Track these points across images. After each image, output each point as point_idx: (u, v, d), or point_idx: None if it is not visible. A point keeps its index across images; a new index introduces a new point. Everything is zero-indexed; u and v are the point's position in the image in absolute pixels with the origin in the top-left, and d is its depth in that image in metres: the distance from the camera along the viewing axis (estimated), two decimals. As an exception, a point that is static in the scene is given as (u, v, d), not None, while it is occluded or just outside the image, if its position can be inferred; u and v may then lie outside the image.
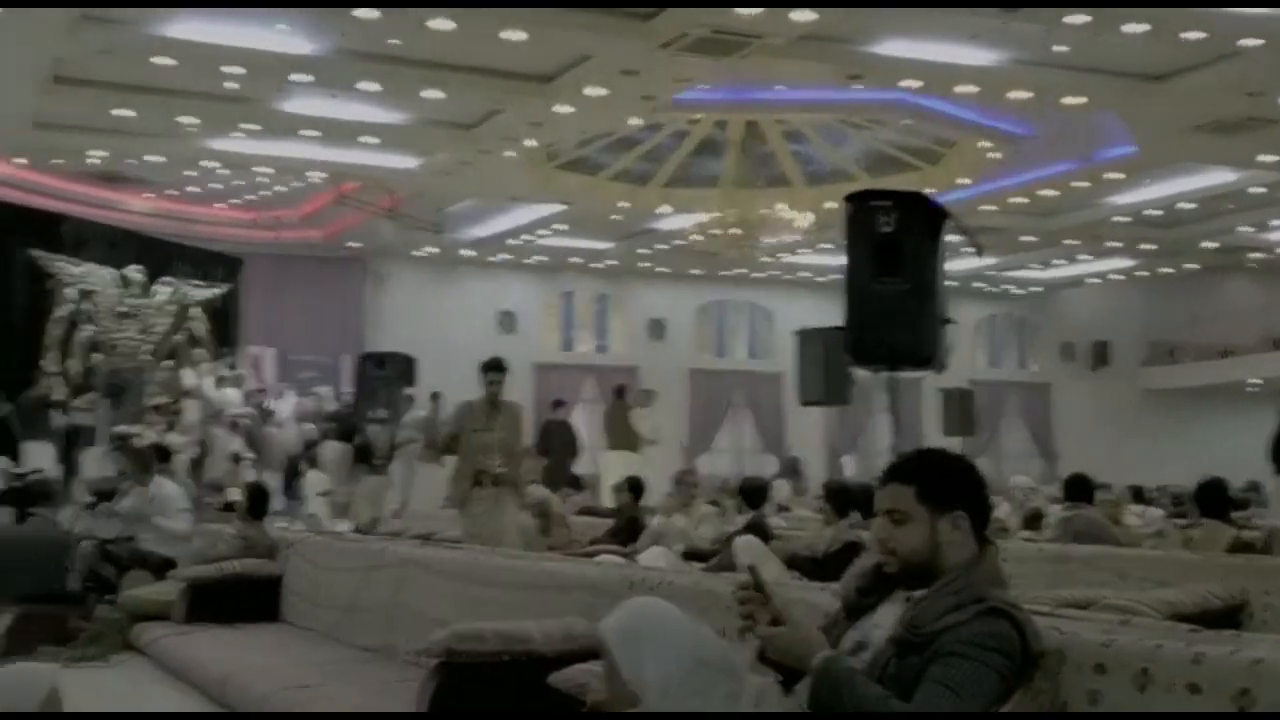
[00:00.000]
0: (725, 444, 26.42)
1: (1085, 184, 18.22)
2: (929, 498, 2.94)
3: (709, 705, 2.99)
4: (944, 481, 2.98)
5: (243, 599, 7.64)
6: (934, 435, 17.74)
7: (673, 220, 20.68)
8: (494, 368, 9.02)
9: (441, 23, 11.74)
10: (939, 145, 17.81)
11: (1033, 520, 11.62)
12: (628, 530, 9.86)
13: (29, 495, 12.00)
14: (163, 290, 18.36)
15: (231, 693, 5.62)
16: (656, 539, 9.19)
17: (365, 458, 16.37)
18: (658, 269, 25.08)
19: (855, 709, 2.71)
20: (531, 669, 3.99)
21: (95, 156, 17.46)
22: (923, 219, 6.17)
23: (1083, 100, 14.20)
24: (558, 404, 20.30)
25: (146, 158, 17.48)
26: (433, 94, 13.98)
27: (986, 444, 25.54)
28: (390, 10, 11.46)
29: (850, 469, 24.24)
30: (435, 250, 22.86)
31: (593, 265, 24.80)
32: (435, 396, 17.31)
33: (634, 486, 11.04)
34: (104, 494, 9.71)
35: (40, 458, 13.30)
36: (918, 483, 2.98)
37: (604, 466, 16.72)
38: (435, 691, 4.18)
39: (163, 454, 11.04)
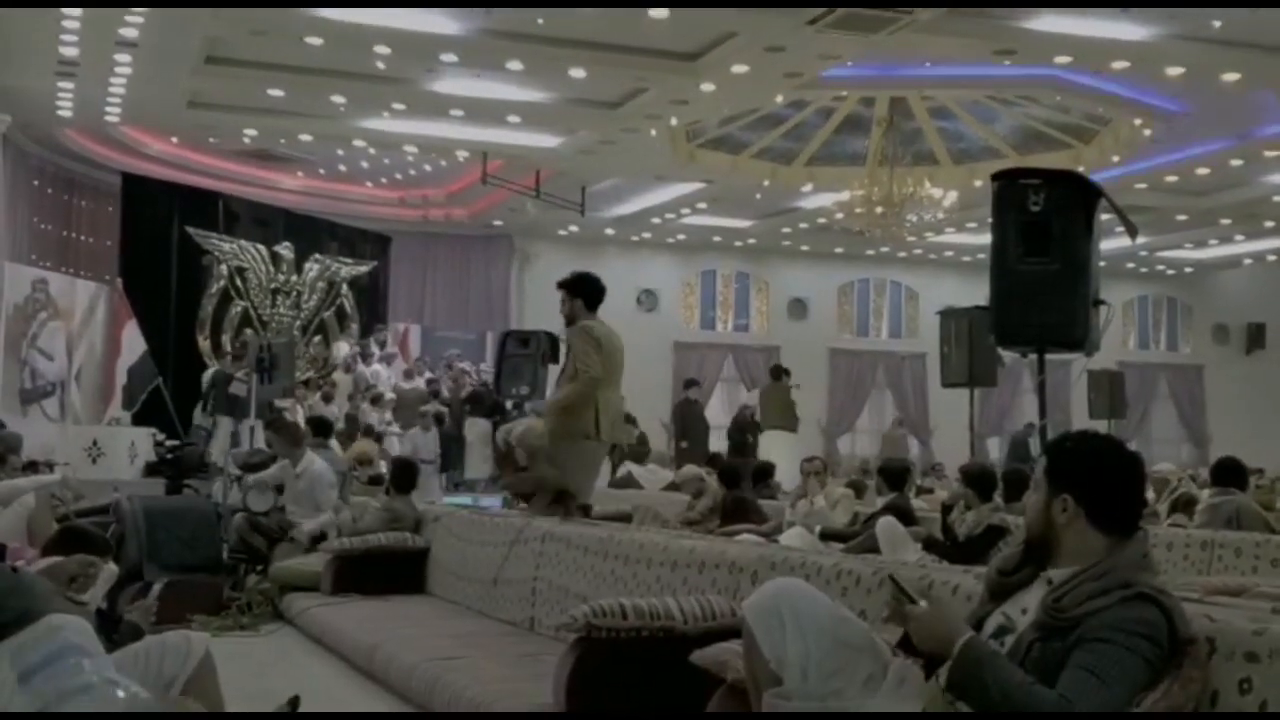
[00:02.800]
0: (866, 425, 26.20)
1: (1240, 162, 17.68)
2: (1051, 474, 3.00)
3: (849, 685, 2.98)
4: (1064, 462, 3.00)
5: (389, 571, 7.77)
6: (1081, 418, 17.37)
7: (815, 198, 20.52)
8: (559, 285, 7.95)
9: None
10: (1091, 122, 17.38)
11: (1185, 505, 11.32)
12: (733, 510, 9.76)
13: (182, 467, 12.39)
14: (313, 267, 18.82)
15: (379, 662, 5.74)
16: (793, 521, 9.17)
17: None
18: (799, 247, 24.93)
19: (997, 692, 2.69)
20: (670, 646, 4.00)
21: (247, 136, 17.90)
22: (1074, 198, 6.01)
23: (1238, 77, 13.73)
24: (690, 383, 20.33)
25: (297, 137, 17.88)
26: (577, 73, 14.06)
27: (1135, 427, 24.93)
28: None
29: (995, 452, 23.84)
30: (577, 229, 23.01)
31: (734, 244, 24.74)
32: None
33: (762, 470, 11.03)
34: (252, 467, 9.94)
35: (221, 432, 13.70)
36: (1050, 457, 3.05)
37: (764, 446, 16.83)
38: (574, 666, 4.22)
39: (320, 428, 11.24)
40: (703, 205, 21.25)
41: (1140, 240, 21.25)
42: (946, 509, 8.23)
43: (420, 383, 19.11)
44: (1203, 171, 18.08)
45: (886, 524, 7.85)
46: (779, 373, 18.00)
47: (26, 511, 7.83)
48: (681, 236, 24.12)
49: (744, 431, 17.47)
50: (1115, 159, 17.57)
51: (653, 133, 16.44)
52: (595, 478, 7.91)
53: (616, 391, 7.46)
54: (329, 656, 6.60)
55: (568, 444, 7.20)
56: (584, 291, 7.71)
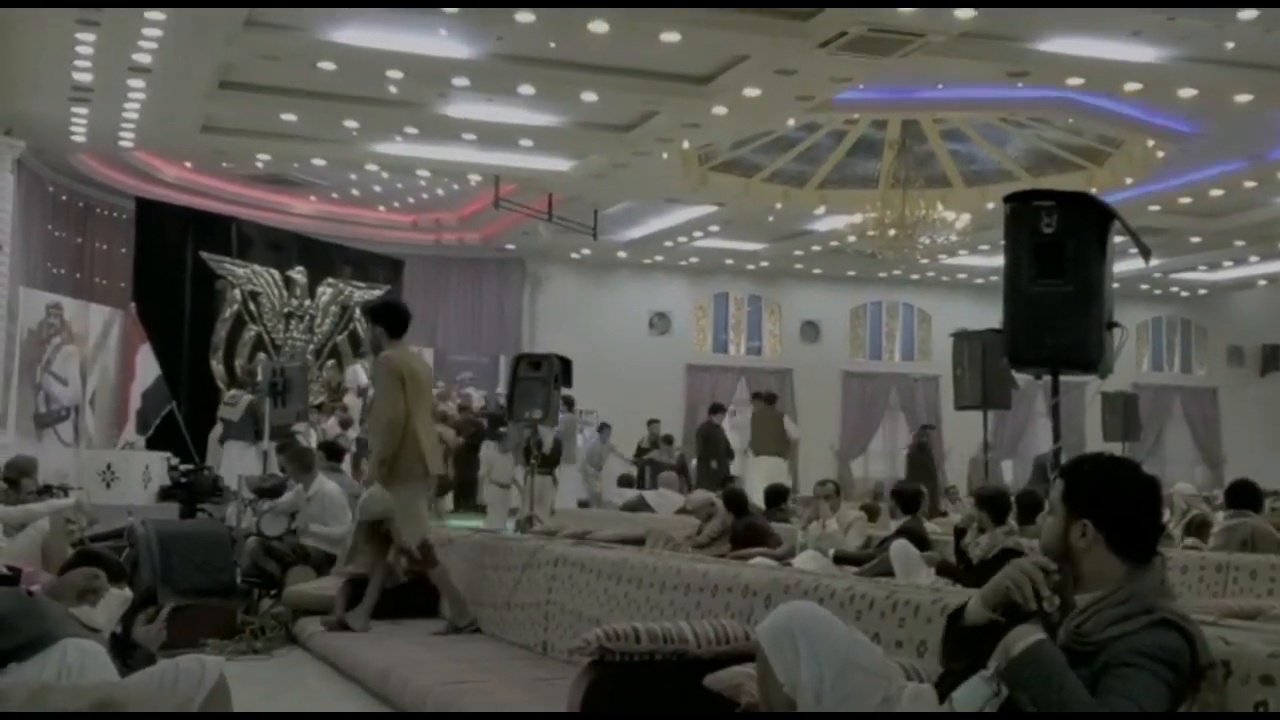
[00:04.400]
0: (879, 447, 26.15)
1: (1254, 183, 17.64)
2: (1067, 498, 2.97)
3: (864, 708, 2.97)
4: (1082, 488, 2.97)
5: (402, 595, 7.75)
6: (1095, 440, 17.31)
7: (828, 221, 20.53)
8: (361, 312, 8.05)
9: (598, 25, 11.84)
10: (1103, 144, 17.38)
11: (1198, 528, 11.26)
12: (744, 535, 9.71)
13: (196, 491, 12.40)
14: (326, 291, 18.87)
15: (392, 686, 5.73)
16: (804, 544, 9.14)
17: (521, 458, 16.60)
18: (812, 270, 24.94)
19: (1058, 700, 2.66)
20: (684, 669, 3.99)
21: (261, 160, 17.98)
22: (1087, 220, 5.99)
23: (1251, 98, 13.71)
24: (716, 409, 20.34)
25: (310, 161, 17.95)
26: (589, 96, 14.10)
27: (1149, 449, 24.84)
28: (548, 12, 11.58)
29: (1009, 474, 23.76)
30: (589, 252, 23.05)
31: (746, 267, 24.76)
32: (603, 429, 18.12)
33: (776, 493, 10.98)
34: (265, 491, 9.96)
35: (245, 459, 13.72)
36: (1066, 481, 3.01)
37: (752, 471, 16.78)
38: (588, 689, 4.20)
39: (333, 452, 11.27)
40: (715, 228, 21.28)
41: (1154, 262, 21.22)
42: (959, 532, 8.19)
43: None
44: (1216, 193, 18.05)
45: (900, 547, 7.83)
46: (771, 398, 17.99)
47: (41, 535, 7.85)
48: (694, 259, 24.15)
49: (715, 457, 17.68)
50: (1128, 180, 17.56)
51: (665, 156, 16.48)
52: (424, 517, 7.68)
53: (426, 419, 7.33)
54: (342, 680, 6.59)
55: (407, 492, 7.21)
56: (385, 318, 7.48)
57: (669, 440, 19.71)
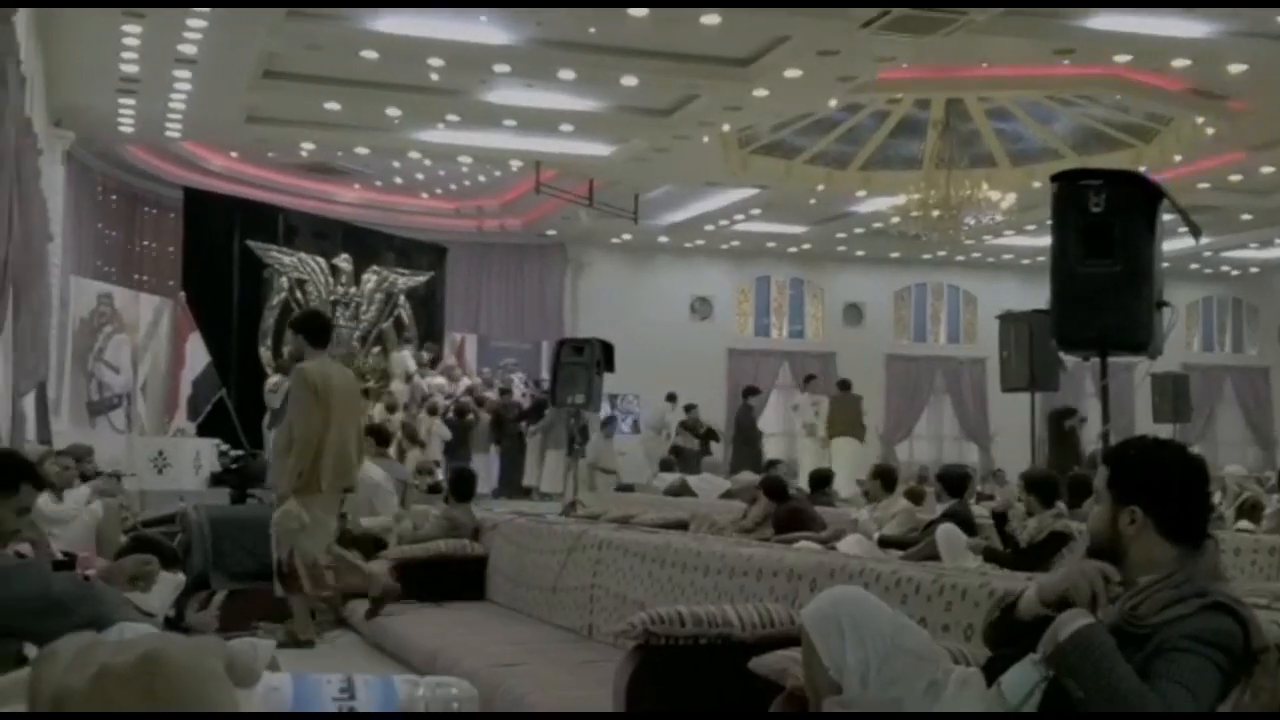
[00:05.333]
0: (924, 431, 26.04)
1: (1307, 159, 17.38)
2: (1114, 484, 2.94)
3: (909, 693, 2.96)
4: (1130, 473, 2.94)
5: (449, 578, 7.82)
6: (1145, 422, 17.16)
7: (871, 203, 20.42)
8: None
9: (638, 9, 11.82)
10: (1152, 121, 17.18)
11: (1250, 510, 11.16)
12: (787, 519, 9.69)
13: (247, 476, 12.51)
14: (370, 278, 18.97)
15: (440, 668, 5.76)
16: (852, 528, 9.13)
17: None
18: (855, 253, 24.81)
19: (1108, 686, 2.63)
20: (729, 653, 3.99)
21: (305, 149, 18.08)
22: (1136, 199, 5.95)
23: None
24: (750, 391, 20.37)
25: (353, 149, 18.04)
26: (629, 81, 14.09)
27: (1200, 431, 24.60)
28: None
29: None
30: (630, 237, 23.05)
31: (788, 250, 24.68)
32: (608, 423, 18.21)
33: (821, 478, 11.00)
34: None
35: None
36: (1112, 467, 2.98)
37: (835, 454, 17.12)
38: (633, 673, 4.21)
39: (381, 437, 11.33)
40: (756, 211, 21.21)
41: (1204, 241, 20.94)
42: (998, 516, 8.13)
43: (459, 388, 19.23)
44: (1267, 170, 17.80)
45: (946, 531, 7.80)
46: (846, 384, 18.13)
47: (95, 521, 7.95)
48: (735, 243, 24.09)
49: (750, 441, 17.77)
50: (1177, 158, 17.35)
51: (705, 139, 16.44)
52: (329, 533, 7.52)
53: (343, 431, 7.22)
54: (391, 662, 6.63)
55: (310, 506, 7.14)
56: (305, 328, 7.49)
57: (711, 433, 19.68)
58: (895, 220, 19.85)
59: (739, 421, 19.97)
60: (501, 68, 13.72)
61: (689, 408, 19.80)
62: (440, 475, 13.85)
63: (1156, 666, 2.65)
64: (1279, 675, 2.68)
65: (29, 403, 11.83)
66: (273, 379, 15.89)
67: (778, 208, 20.87)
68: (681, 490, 14.36)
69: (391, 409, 16.86)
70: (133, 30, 12.44)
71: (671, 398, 20.50)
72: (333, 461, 7.12)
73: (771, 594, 4.63)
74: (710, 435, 19.62)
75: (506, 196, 21.42)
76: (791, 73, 13.58)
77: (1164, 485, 2.90)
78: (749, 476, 11.28)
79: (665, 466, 17.55)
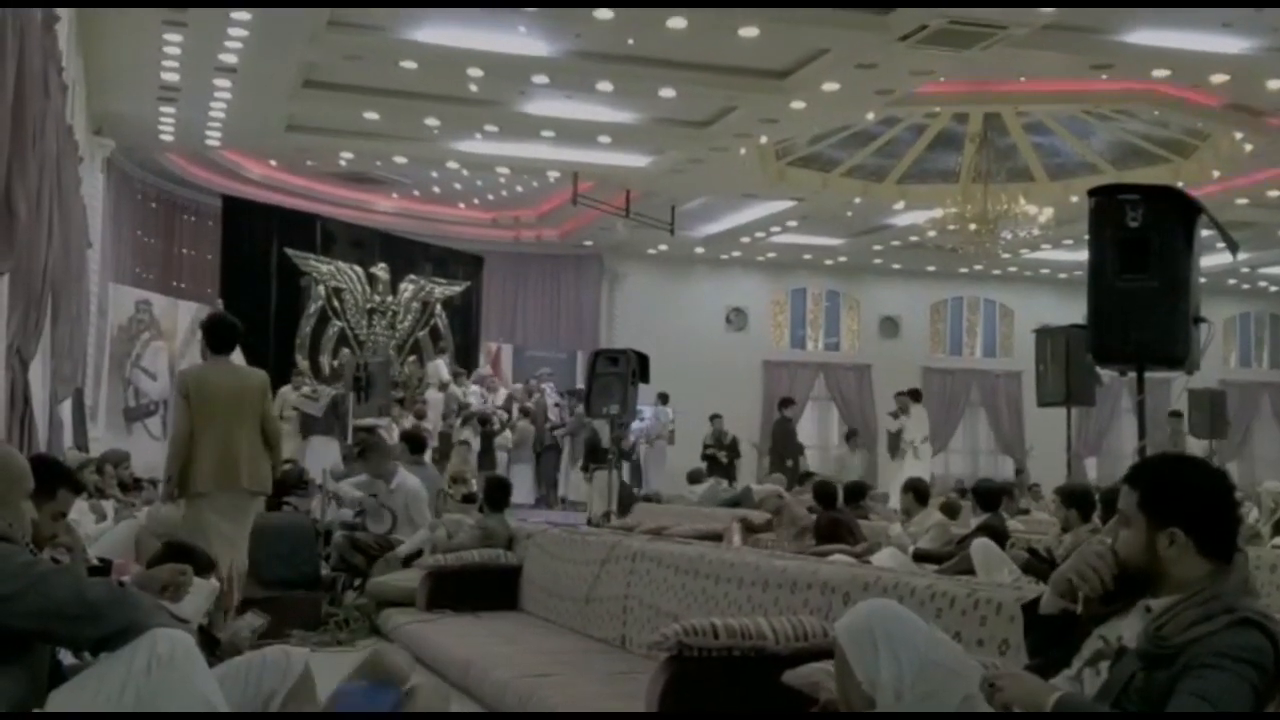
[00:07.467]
0: (960, 445, 25.92)
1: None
2: (1148, 507, 2.88)
3: (944, 707, 2.95)
4: (1164, 494, 2.89)
5: (482, 588, 7.82)
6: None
7: (907, 216, 20.37)
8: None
9: (677, 21, 11.84)
10: (1190, 137, 17.08)
11: (1288, 528, 11.04)
12: (827, 530, 9.67)
13: (281, 485, 12.55)
14: (407, 287, 19.07)
15: (473, 678, 5.78)
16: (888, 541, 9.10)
17: (597, 454, 16.66)
18: (891, 265, 24.75)
19: None
20: (762, 665, 3.99)
21: (344, 158, 18.19)
22: (1173, 214, 5.92)
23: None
24: (785, 402, 20.30)
25: (392, 159, 18.13)
26: (667, 93, 14.11)
27: (1238, 447, 24.40)
28: (627, 9, 11.60)
29: (1093, 472, 23.46)
30: (667, 248, 23.07)
31: (824, 262, 24.64)
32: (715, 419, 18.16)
33: (856, 489, 10.95)
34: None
35: (329, 453, 13.95)
36: (1141, 489, 2.92)
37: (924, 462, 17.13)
38: (666, 684, 4.22)
39: (416, 445, 11.34)
40: (793, 223, 21.20)
41: (1242, 256, 20.84)
42: (1034, 553, 7.99)
43: (498, 398, 19.29)
44: (1307, 186, 17.68)
45: (982, 545, 7.76)
46: (918, 395, 17.96)
47: (136, 527, 7.99)
48: (771, 255, 24.06)
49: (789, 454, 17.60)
50: (1215, 174, 17.25)
51: (742, 151, 16.45)
52: (227, 537, 7.20)
53: (228, 434, 7.12)
54: (424, 672, 6.64)
55: (190, 509, 7.10)
56: (207, 332, 7.69)
57: (734, 444, 19.51)
58: (932, 233, 19.79)
59: (775, 434, 19.87)
60: (540, 79, 13.77)
61: (714, 418, 19.71)
62: (474, 485, 13.88)
63: (1184, 684, 2.63)
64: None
65: (66, 409, 11.94)
66: (305, 388, 15.98)
67: (814, 220, 20.84)
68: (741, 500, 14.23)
69: (420, 417, 16.93)
70: (174, 39, 12.55)
71: (663, 398, 20.29)
72: (212, 464, 7.09)
73: (805, 607, 4.62)
74: (731, 448, 19.41)
75: (543, 207, 21.49)
76: (829, 85, 13.58)
77: (1199, 503, 2.87)
78: (769, 486, 11.20)
79: (694, 479, 17.48)
